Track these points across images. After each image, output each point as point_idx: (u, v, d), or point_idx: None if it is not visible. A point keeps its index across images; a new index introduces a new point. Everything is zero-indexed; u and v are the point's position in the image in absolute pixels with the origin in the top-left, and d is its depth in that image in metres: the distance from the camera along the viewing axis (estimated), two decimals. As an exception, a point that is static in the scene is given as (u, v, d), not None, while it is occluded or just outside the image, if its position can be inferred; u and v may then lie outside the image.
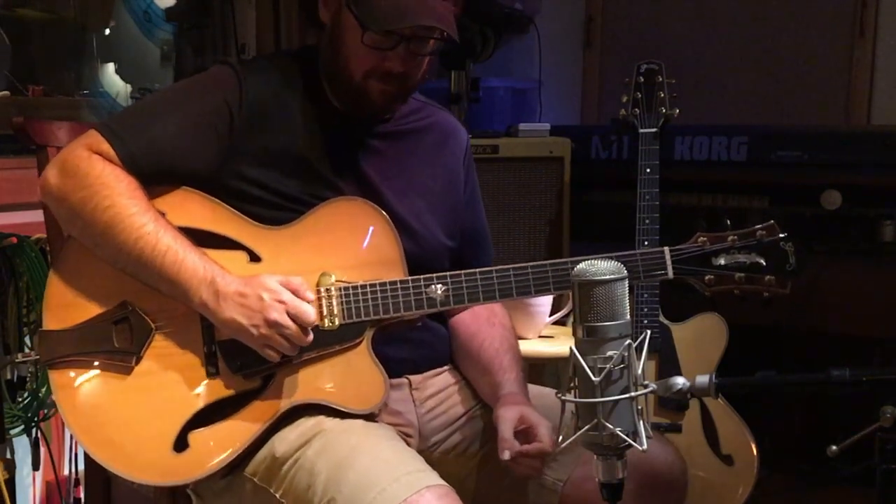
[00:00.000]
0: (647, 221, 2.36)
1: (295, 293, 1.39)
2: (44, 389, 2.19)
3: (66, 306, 1.47)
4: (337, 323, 1.44)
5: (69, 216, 1.46)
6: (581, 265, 1.09)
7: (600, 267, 1.07)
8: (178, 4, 3.27)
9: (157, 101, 1.60)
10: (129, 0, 3.23)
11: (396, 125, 1.62)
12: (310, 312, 1.39)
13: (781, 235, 1.43)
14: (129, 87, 3.22)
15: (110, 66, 3.22)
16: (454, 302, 1.46)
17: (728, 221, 1.46)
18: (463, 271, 1.46)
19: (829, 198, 2.74)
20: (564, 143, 2.97)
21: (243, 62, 1.57)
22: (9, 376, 2.20)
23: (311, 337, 1.40)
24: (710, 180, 2.97)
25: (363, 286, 1.45)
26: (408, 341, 1.58)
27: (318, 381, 1.45)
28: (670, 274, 1.44)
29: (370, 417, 1.47)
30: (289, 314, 1.38)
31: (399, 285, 1.45)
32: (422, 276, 1.46)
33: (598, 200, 3.07)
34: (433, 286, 1.45)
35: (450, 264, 1.57)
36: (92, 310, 1.47)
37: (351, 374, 1.45)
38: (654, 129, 2.40)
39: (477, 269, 1.46)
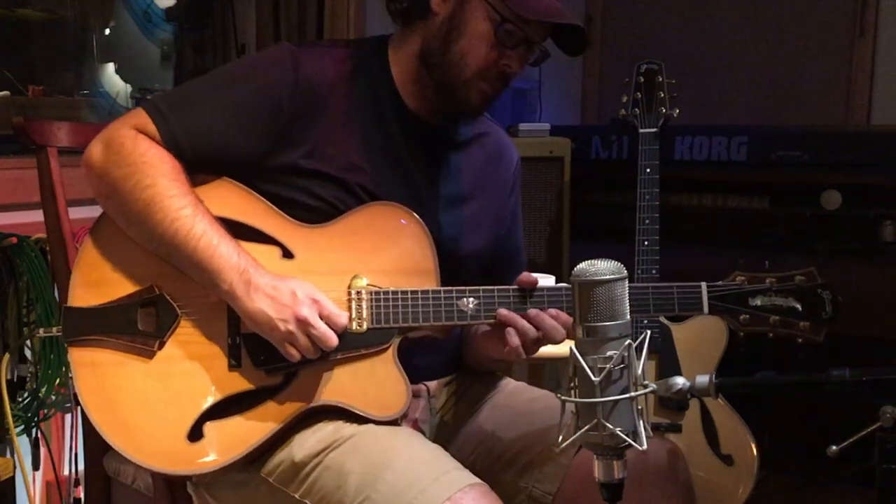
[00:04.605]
0: (647, 221, 2.36)
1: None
2: (44, 389, 2.19)
3: (93, 284, 1.45)
4: (365, 327, 1.42)
5: (108, 192, 1.43)
6: (581, 265, 1.09)
7: (600, 267, 1.07)
8: (178, 4, 3.28)
9: (207, 82, 1.54)
10: (129, 0, 3.23)
11: (456, 134, 1.60)
12: (343, 316, 1.38)
13: (820, 282, 1.43)
14: (129, 87, 3.22)
15: (110, 66, 3.22)
16: (484, 316, 1.44)
17: (766, 263, 1.46)
18: (496, 287, 1.44)
19: (829, 198, 2.74)
20: (564, 143, 2.97)
21: (302, 46, 1.53)
22: (9, 376, 2.20)
23: (336, 341, 1.38)
24: (710, 180, 2.98)
25: (394, 292, 1.42)
26: (433, 351, 1.56)
27: (340, 383, 1.42)
28: (706, 310, 1.43)
29: (391, 424, 1.44)
30: (321, 315, 1.36)
31: (430, 295, 1.43)
32: (454, 288, 1.43)
33: (598, 200, 3.08)
34: (465, 299, 1.43)
35: (482, 279, 1.51)
36: (119, 290, 1.45)
37: (374, 380, 1.42)
38: (654, 129, 2.40)
39: (510, 287, 1.44)
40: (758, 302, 1.44)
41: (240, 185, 1.48)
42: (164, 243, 1.40)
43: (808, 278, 1.43)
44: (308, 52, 1.51)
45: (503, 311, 1.42)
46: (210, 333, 1.44)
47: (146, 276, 1.45)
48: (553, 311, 1.42)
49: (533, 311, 1.42)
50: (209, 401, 1.42)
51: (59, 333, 1.47)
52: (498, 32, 1.45)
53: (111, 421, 1.42)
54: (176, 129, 1.43)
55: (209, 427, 1.41)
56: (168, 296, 1.44)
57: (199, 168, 1.46)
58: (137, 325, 1.44)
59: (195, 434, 1.40)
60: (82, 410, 1.47)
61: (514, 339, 1.42)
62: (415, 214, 1.46)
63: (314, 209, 1.47)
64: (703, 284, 1.43)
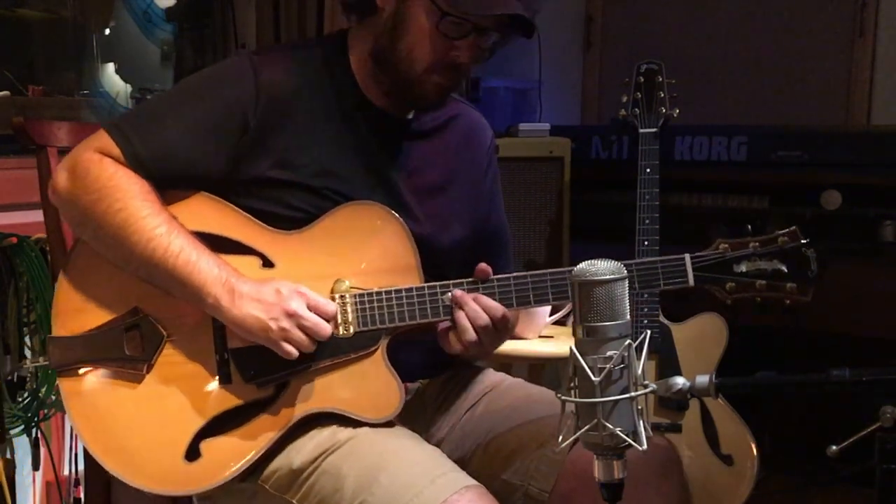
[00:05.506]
0: (647, 221, 2.36)
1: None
2: (44, 389, 2.19)
3: (75, 312, 1.45)
4: (352, 331, 1.42)
5: (80, 219, 1.43)
6: (581, 265, 1.09)
7: (600, 267, 1.07)
8: (178, 4, 3.28)
9: (168, 100, 1.54)
10: (129, 0, 3.23)
11: (425, 122, 1.58)
12: (331, 305, 1.38)
13: (803, 241, 1.42)
14: (129, 87, 3.22)
15: (110, 66, 3.22)
16: None
17: (749, 227, 1.44)
18: (480, 278, 1.42)
19: (829, 198, 2.74)
20: (564, 143, 2.98)
21: (262, 53, 1.51)
22: (9, 376, 2.20)
23: (329, 330, 1.37)
24: (710, 180, 2.97)
25: (378, 293, 1.42)
26: (421, 345, 1.56)
27: (332, 389, 1.42)
28: (691, 281, 1.42)
29: (387, 425, 1.44)
30: (308, 306, 1.36)
31: (415, 292, 1.42)
32: (438, 283, 1.42)
33: (598, 200, 3.08)
34: (450, 293, 1.42)
35: (467, 266, 1.48)
36: (102, 316, 1.44)
37: (366, 382, 1.42)
38: (654, 129, 2.40)
39: (494, 277, 1.43)
40: (743, 268, 1.42)
41: (215, 197, 1.46)
42: (142, 264, 1.39)
43: (791, 238, 1.42)
44: (269, 59, 1.49)
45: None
46: (197, 352, 1.43)
47: (128, 299, 1.44)
48: (473, 294, 1.41)
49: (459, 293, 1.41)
50: (203, 419, 1.42)
51: (47, 363, 1.47)
52: (440, 26, 1.41)
53: (108, 448, 1.42)
54: (139, 150, 1.42)
55: (205, 445, 1.41)
56: (151, 317, 1.44)
57: (168, 185, 1.45)
58: (124, 350, 1.44)
59: (192, 454, 1.40)
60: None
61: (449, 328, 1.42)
62: (392, 212, 1.45)
63: (291, 219, 1.46)
64: (687, 256, 1.42)
